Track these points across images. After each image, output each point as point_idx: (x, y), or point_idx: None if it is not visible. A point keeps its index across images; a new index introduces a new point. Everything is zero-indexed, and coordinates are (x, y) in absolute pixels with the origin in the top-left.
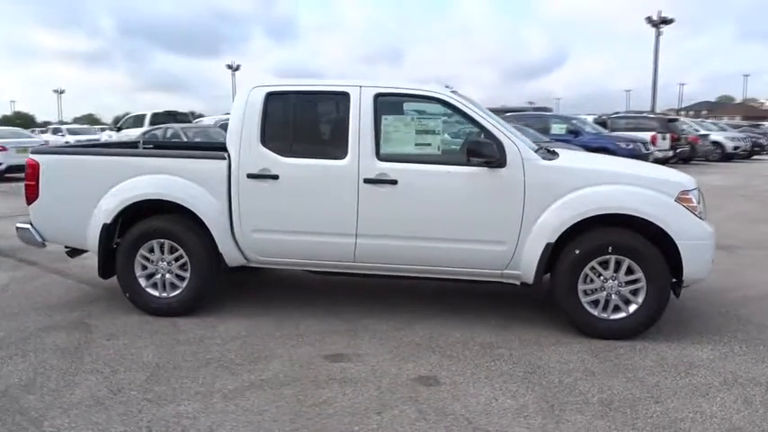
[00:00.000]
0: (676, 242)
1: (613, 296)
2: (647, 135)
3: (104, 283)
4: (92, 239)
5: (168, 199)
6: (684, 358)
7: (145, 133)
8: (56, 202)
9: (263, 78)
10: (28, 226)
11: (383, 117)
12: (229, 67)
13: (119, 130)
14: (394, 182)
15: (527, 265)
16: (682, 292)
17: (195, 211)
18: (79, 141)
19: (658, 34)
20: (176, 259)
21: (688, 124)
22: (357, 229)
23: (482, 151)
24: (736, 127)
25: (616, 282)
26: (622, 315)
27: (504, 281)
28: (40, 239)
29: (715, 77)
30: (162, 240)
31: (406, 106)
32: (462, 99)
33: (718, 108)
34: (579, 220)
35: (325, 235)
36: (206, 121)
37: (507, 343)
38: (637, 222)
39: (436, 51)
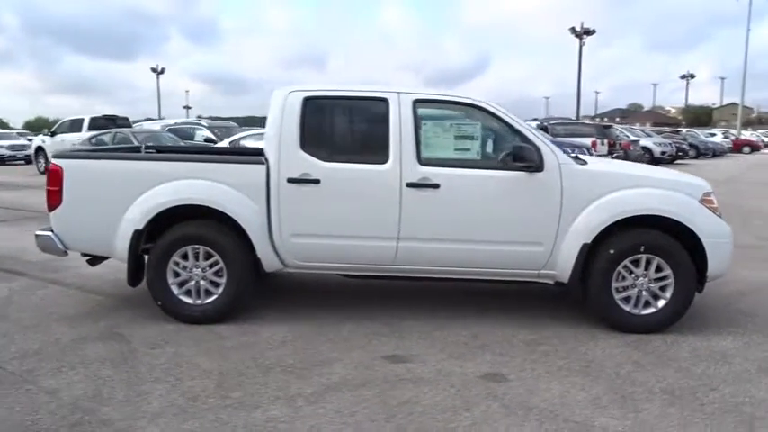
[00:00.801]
0: (702, 240)
1: (644, 293)
2: (587, 141)
3: (114, 291)
4: (120, 246)
5: (207, 204)
6: (714, 348)
7: (91, 138)
8: (80, 209)
9: (298, 84)
10: (49, 233)
11: (422, 123)
12: (154, 70)
13: (53, 135)
14: (436, 186)
15: (563, 264)
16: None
17: (234, 217)
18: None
19: (581, 44)
20: (211, 265)
21: (620, 130)
22: (399, 233)
23: (525, 156)
24: (658, 133)
25: (646, 279)
26: (652, 310)
27: (539, 280)
28: (61, 247)
29: (625, 86)
30: (197, 246)
31: (441, 113)
32: (497, 106)
33: (629, 115)
34: (616, 221)
35: (366, 239)
36: (146, 125)
37: (547, 340)
38: (664, 223)
39: (359, 56)
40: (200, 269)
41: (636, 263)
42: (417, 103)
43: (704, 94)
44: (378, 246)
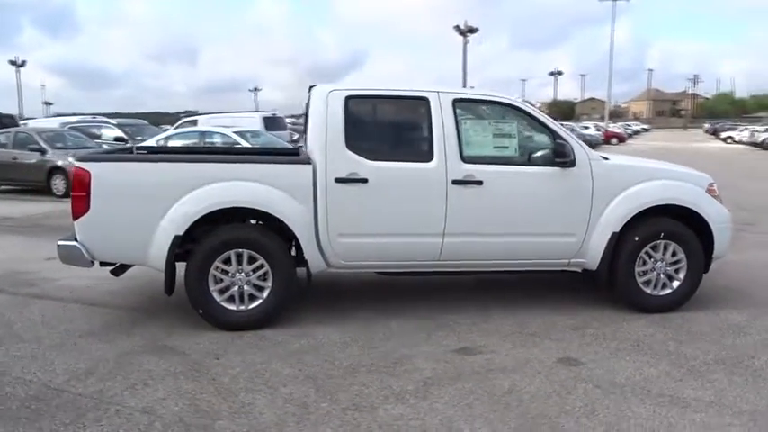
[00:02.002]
0: (711, 226)
1: (661, 275)
2: None
3: (119, 302)
4: (157, 254)
5: (255, 207)
6: (732, 322)
7: None
8: (111, 215)
9: (336, 83)
10: (74, 243)
11: (462, 121)
12: (13, 62)
13: None
14: (480, 182)
15: (593, 253)
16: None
17: (283, 219)
18: None
19: (465, 42)
20: (255, 270)
21: None
22: (445, 229)
23: (565, 152)
24: None
25: (663, 263)
26: (668, 291)
27: (569, 269)
28: (88, 257)
29: (496, 82)
30: (240, 250)
31: (476, 111)
32: (529, 106)
33: None
34: (641, 210)
35: (412, 236)
36: (38, 123)
37: (588, 324)
38: (676, 210)
39: (232, 51)
40: (243, 273)
41: (655, 248)
42: (456, 102)
43: (565, 90)
44: (424, 242)
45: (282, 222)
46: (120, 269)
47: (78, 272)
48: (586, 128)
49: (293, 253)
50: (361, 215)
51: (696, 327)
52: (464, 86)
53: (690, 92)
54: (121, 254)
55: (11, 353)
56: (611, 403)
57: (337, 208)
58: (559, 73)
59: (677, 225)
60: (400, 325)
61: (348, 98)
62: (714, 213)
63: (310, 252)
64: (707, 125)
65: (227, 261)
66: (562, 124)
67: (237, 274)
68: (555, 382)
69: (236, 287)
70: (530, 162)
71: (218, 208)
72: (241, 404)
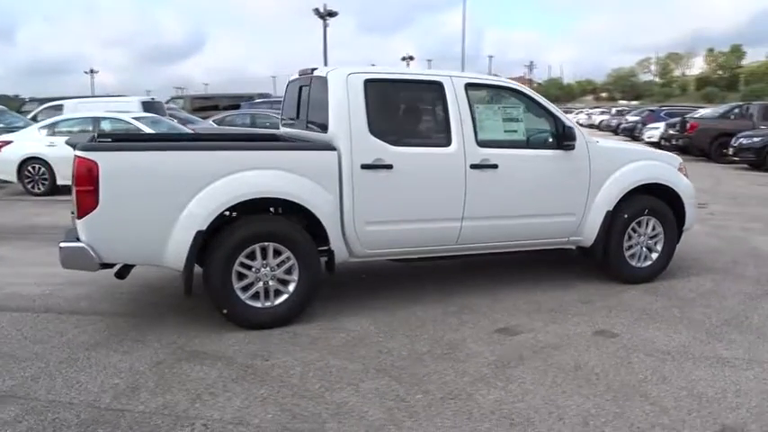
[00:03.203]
0: (684, 201)
1: (644, 249)
2: None
3: (99, 308)
4: (175, 252)
5: (284, 197)
6: (705, 288)
7: None
8: (122, 211)
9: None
10: (80, 244)
11: (475, 105)
12: None
13: None
14: (495, 166)
15: (589, 231)
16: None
17: (311, 209)
18: None
19: (325, 26)
20: (280, 263)
21: None
22: (463, 213)
23: (573, 135)
24: None
25: (645, 237)
26: (649, 263)
27: (567, 246)
28: (96, 260)
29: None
30: (265, 244)
31: (484, 96)
32: (533, 92)
33: None
34: (630, 189)
35: (434, 221)
36: None
37: (591, 297)
38: (656, 188)
39: (56, 29)
40: (268, 268)
41: (639, 224)
42: (468, 86)
43: None
44: (444, 227)
45: (309, 212)
46: (125, 270)
47: (19, 278)
48: None
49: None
50: (386, 202)
51: (681, 293)
52: None
53: (527, 77)
54: (134, 254)
55: (17, 374)
56: (672, 369)
57: (363, 195)
58: (411, 58)
59: (657, 202)
60: (425, 311)
61: (367, 81)
62: (686, 190)
63: (336, 242)
64: None
65: (252, 256)
66: None
67: (262, 269)
68: (610, 355)
69: (260, 283)
70: (536, 145)
71: (245, 199)
72: (336, 405)
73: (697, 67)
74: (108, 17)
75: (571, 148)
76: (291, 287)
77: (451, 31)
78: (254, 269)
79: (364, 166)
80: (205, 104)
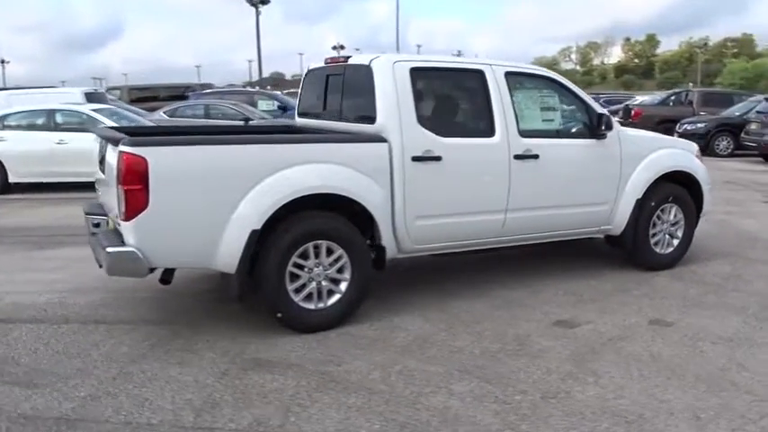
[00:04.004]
0: (702, 187)
1: (666, 236)
2: None
3: (136, 317)
4: (228, 254)
5: (340, 193)
6: (725, 273)
7: None
8: (174, 212)
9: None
10: (131, 249)
11: (515, 94)
12: None
13: None
14: (536, 156)
15: (619, 219)
16: None
17: (365, 204)
18: None
19: (258, 14)
20: (333, 262)
21: None
22: (507, 205)
23: (609, 124)
24: None
25: (668, 224)
26: (671, 249)
27: (597, 235)
28: (146, 265)
29: (269, 55)
30: (319, 242)
31: (523, 85)
32: (566, 80)
33: (279, 83)
34: (657, 177)
35: (479, 214)
36: None
37: (624, 285)
38: (677, 175)
39: None
40: (320, 268)
41: (663, 211)
42: (507, 75)
43: None
44: (489, 220)
45: (358, 208)
46: (169, 275)
47: (13, 286)
48: None
49: None
50: (434, 195)
51: (706, 278)
52: (259, 57)
53: None
54: (184, 257)
55: (71, 395)
56: (744, 356)
57: (413, 189)
58: (341, 47)
59: (679, 189)
60: (472, 306)
61: (412, 70)
62: (704, 176)
63: (387, 238)
64: None
65: (305, 255)
66: None
67: (315, 269)
68: (678, 344)
69: (313, 283)
70: (572, 134)
71: (302, 195)
72: (438, 411)
73: (615, 55)
74: (15, 2)
75: (604, 136)
76: (344, 286)
77: (377, 20)
78: (306, 269)
79: (415, 159)
80: (143, 95)
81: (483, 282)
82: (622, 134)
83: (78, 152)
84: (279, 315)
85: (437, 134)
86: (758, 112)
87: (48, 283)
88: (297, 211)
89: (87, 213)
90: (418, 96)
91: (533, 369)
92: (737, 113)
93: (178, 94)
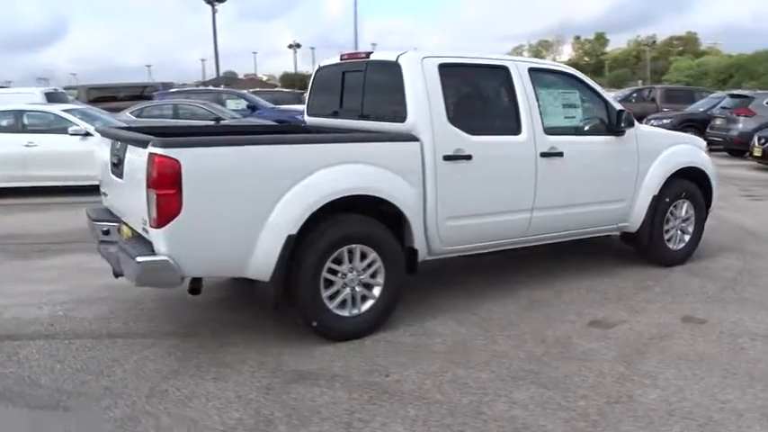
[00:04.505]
0: (711, 181)
1: (678, 232)
2: (302, 107)
3: (150, 329)
4: (262, 261)
5: (376, 194)
6: (737, 267)
7: None
8: (208, 217)
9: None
10: (163, 257)
11: (538, 91)
12: None
13: None
14: (560, 154)
15: (636, 216)
16: None
17: (399, 206)
18: None
19: (214, 12)
20: (367, 266)
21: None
22: (534, 204)
23: (630, 120)
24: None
25: (679, 220)
26: (683, 245)
27: (614, 233)
28: (178, 274)
29: (227, 53)
30: (353, 246)
31: (544, 81)
32: (585, 76)
33: (234, 82)
34: (672, 173)
35: (507, 213)
36: None
37: (643, 283)
38: (688, 171)
39: None
40: (354, 272)
41: (675, 207)
42: (531, 71)
43: (284, 62)
44: (516, 219)
45: (395, 209)
46: (198, 284)
47: (8, 299)
48: None
49: None
50: (465, 195)
51: (719, 273)
52: (216, 56)
53: None
54: (218, 265)
55: (106, 416)
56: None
57: (445, 189)
58: (297, 45)
59: (691, 185)
60: (502, 308)
61: (441, 66)
62: (713, 171)
63: (419, 240)
64: None
65: (338, 260)
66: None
67: (349, 274)
68: (718, 342)
69: (347, 289)
70: (593, 131)
71: (338, 197)
72: (506, 420)
73: (566, 53)
74: None
75: (623, 133)
76: (377, 291)
77: (330, 18)
78: (340, 274)
79: (446, 158)
80: (103, 95)
81: (505, 282)
82: (639, 131)
83: (50, 155)
84: (314, 324)
85: (467, 132)
86: (723, 107)
87: (45, 294)
88: (329, 213)
89: (94, 220)
90: (447, 93)
91: (586, 372)
92: (701, 109)
93: (137, 93)
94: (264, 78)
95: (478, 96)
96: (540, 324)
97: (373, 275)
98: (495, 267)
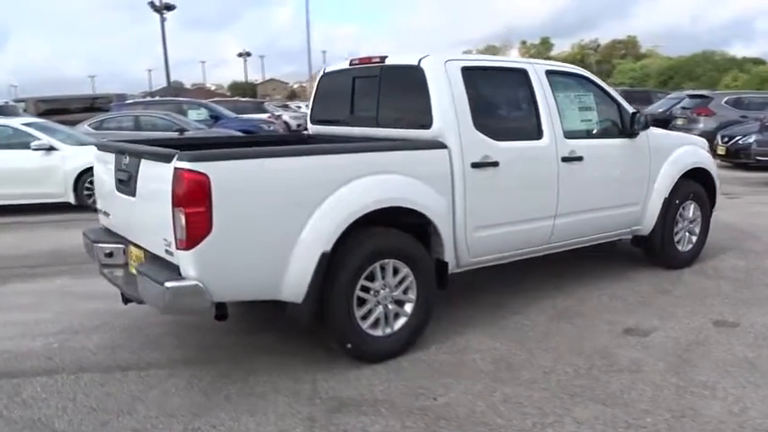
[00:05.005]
0: (715, 181)
1: (687, 234)
2: (265, 116)
3: (164, 359)
4: (296, 280)
5: (408, 206)
6: (742, 267)
7: None
8: (240, 236)
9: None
10: (194, 282)
11: (556, 95)
12: None
13: None
14: (580, 158)
15: (648, 219)
16: None
17: (431, 217)
18: None
19: (163, 20)
20: (399, 282)
21: (270, 107)
22: (557, 210)
23: (645, 123)
24: (283, 108)
25: (687, 221)
26: (690, 247)
27: (627, 237)
28: (208, 299)
29: (173, 62)
30: (386, 261)
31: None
32: (598, 79)
33: (181, 92)
34: (681, 175)
35: (532, 221)
36: None
37: (661, 286)
38: (694, 172)
39: None
40: (387, 289)
41: (683, 209)
42: (548, 74)
43: (232, 71)
44: (540, 227)
45: (425, 221)
46: (225, 309)
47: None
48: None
49: None
50: (492, 204)
51: (729, 274)
52: (166, 64)
53: None
54: (249, 287)
55: None
56: None
57: (474, 198)
58: (248, 54)
59: (697, 186)
60: (528, 318)
61: (464, 69)
62: (716, 172)
63: (449, 252)
64: None
65: (371, 277)
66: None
67: (382, 291)
68: (756, 345)
69: (380, 307)
70: (608, 134)
71: (372, 209)
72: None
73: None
74: None
75: (636, 135)
76: (409, 308)
77: (277, 27)
78: (372, 292)
79: (474, 165)
80: (53, 107)
81: (524, 291)
82: (650, 132)
83: (10, 171)
84: (349, 346)
85: (492, 138)
86: (683, 108)
87: (32, 324)
88: (359, 227)
89: (95, 242)
90: (471, 98)
91: (641, 386)
92: (660, 110)
93: (88, 105)
94: (213, 88)
95: (500, 100)
96: (575, 335)
97: (405, 291)
98: (509, 276)
